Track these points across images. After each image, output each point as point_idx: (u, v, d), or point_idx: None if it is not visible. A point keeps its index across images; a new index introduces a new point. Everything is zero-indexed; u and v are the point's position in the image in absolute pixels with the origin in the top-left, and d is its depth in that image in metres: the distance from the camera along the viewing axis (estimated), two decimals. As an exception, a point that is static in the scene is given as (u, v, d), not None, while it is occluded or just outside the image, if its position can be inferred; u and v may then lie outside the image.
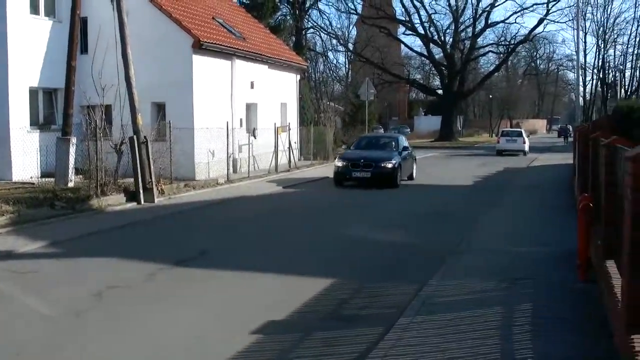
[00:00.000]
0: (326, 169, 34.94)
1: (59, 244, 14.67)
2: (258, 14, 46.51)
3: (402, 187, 26.88)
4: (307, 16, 66.96)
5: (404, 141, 30.43)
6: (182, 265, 12.40)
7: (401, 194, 25.26)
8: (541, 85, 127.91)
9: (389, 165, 26.68)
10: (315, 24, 70.23)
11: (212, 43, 28.88)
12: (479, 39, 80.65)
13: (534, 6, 75.92)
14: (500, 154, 51.65)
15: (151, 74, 26.29)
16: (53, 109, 27.94)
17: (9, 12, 25.16)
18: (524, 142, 52.87)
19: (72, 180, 22.81)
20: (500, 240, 14.62)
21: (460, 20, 78.33)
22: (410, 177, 29.58)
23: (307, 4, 66.66)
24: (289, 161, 34.69)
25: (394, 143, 29.39)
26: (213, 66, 29.49)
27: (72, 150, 23.00)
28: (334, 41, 74.58)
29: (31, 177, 24.37)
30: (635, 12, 74.83)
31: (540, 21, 76.14)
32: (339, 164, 27.24)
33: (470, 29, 79.17)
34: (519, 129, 60.34)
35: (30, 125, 26.12)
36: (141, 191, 21.12)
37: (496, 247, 13.82)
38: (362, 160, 26.67)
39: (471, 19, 78.59)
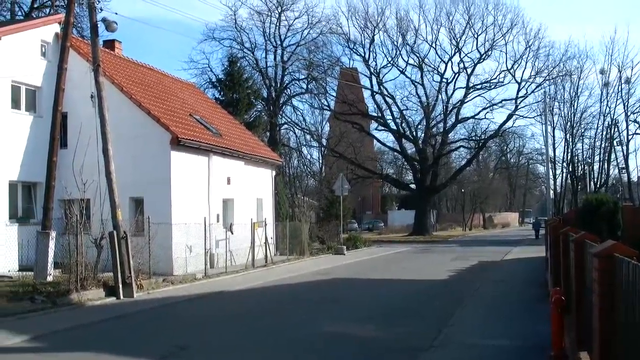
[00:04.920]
0: (302, 264, 35.27)
1: (41, 338, 14.74)
2: (234, 110, 47.32)
3: (376, 279, 27.03)
4: (281, 112, 67.99)
5: None
6: (164, 360, 12.53)
7: (377, 288, 25.51)
8: (512, 179, 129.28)
9: None
10: (289, 119, 71.37)
11: (189, 139, 29.37)
12: (450, 134, 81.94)
13: (503, 102, 77.71)
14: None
15: (130, 170, 26.60)
16: (32, 202, 28.17)
17: (-9, 107, 25.68)
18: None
19: (51, 274, 22.87)
20: (476, 334, 14.89)
21: (432, 116, 79.57)
22: None
23: (281, 101, 67.77)
24: (266, 256, 34.87)
25: None
26: (190, 162, 29.92)
27: (52, 244, 23.12)
28: (308, 137, 75.69)
29: (9, 271, 24.45)
30: (600, 107, 76.34)
31: (510, 116, 77.80)
32: None
33: (441, 125, 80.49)
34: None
35: (9, 218, 26.34)
36: (120, 286, 21.25)
37: (472, 341, 14.09)
38: None
39: (442, 115, 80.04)
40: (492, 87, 78.12)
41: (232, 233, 32.07)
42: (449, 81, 78.77)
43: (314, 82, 70.38)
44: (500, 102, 77.87)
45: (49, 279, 22.51)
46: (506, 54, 76.66)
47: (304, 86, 70.51)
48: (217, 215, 32.03)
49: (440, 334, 14.69)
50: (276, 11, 67.23)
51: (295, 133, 73.69)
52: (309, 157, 78.00)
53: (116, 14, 28.25)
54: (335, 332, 15.74)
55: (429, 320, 17.13)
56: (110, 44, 35.72)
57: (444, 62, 78.62)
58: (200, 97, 42.99)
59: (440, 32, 78.91)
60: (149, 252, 24.64)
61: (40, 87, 28.48)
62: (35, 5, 50.14)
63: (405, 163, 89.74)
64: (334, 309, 19.86)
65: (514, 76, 76.82)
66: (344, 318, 17.92)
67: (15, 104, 27.58)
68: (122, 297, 21.16)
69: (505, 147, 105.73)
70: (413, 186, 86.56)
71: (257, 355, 13.45)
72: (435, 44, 78.06)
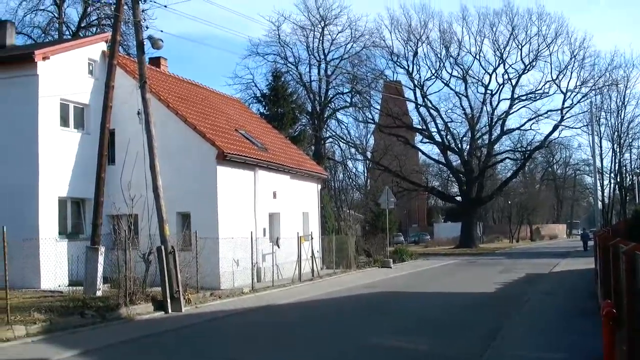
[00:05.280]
0: (349, 278, 35.24)
1: (91, 352, 14.91)
2: (278, 125, 47.51)
3: (423, 292, 26.93)
4: (325, 126, 68.04)
5: None
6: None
7: (424, 301, 25.43)
8: (559, 190, 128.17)
9: None
10: (333, 133, 71.32)
11: (235, 154, 29.56)
12: (495, 146, 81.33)
13: (549, 113, 76.82)
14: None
15: (176, 185, 26.78)
16: (81, 218, 28.54)
17: (41, 125, 26.14)
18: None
19: (101, 289, 23.11)
20: (525, 347, 14.74)
21: (477, 128, 79.13)
22: None
23: (326, 114, 67.84)
24: (312, 270, 34.88)
25: None
26: (236, 176, 30.10)
27: (101, 259, 23.36)
28: (353, 150, 75.62)
29: (59, 286, 24.77)
30: (648, 116, 75.29)
31: (555, 127, 76.97)
32: None
33: (486, 136, 79.94)
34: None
35: (59, 234, 26.70)
36: (169, 300, 21.41)
37: (521, 353, 13.95)
38: None
39: (487, 127, 79.43)
40: (538, 97, 77.40)
41: (279, 247, 32.14)
42: (493, 92, 78.34)
43: (358, 95, 70.37)
44: (546, 112, 77.16)
45: (99, 293, 22.75)
46: (551, 64, 75.97)
47: (348, 100, 70.52)
48: (263, 229, 32.15)
49: (488, 347, 14.56)
50: (319, 26, 67.47)
51: (340, 146, 73.78)
52: (354, 170, 77.99)
53: (162, 31, 28.58)
54: (383, 345, 15.69)
55: (477, 333, 17.00)
56: (156, 61, 36.09)
57: (488, 73, 78.19)
58: (245, 112, 43.25)
59: (484, 44, 78.57)
60: (197, 266, 24.79)
61: (88, 105, 28.87)
62: (83, 25, 51.08)
63: (451, 175, 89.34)
64: (382, 321, 19.80)
65: (559, 86, 76.05)
66: (391, 331, 17.84)
67: (64, 121, 27.99)
68: (170, 311, 21.31)
69: (551, 158, 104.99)
70: (459, 198, 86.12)
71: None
72: (479, 56, 77.68)
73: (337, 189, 69.24)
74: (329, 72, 67.79)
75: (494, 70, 77.72)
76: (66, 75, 27.77)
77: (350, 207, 67.15)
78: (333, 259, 39.58)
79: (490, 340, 15.45)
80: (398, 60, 76.54)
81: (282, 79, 56.57)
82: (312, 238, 35.85)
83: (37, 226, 25.48)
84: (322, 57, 67.77)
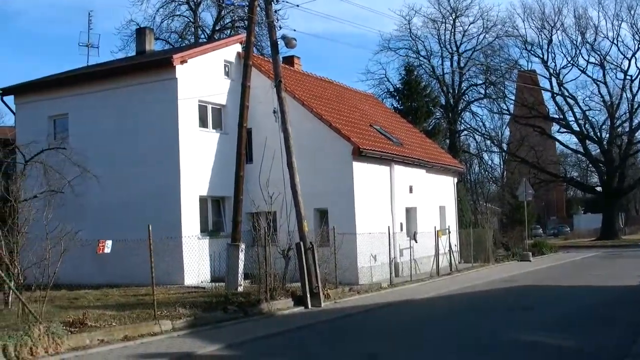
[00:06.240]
0: (487, 272, 34.80)
1: (235, 346, 15.23)
2: (413, 119, 47.40)
3: (564, 286, 26.36)
4: (460, 119, 67.35)
5: None
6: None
7: (565, 295, 24.89)
8: None
9: None
10: (468, 125, 70.34)
11: (371, 150, 29.64)
12: (637, 134, 78.67)
13: (693, 97, 73.81)
14: None
15: (313, 181, 27.00)
16: (221, 216, 29.22)
17: (181, 126, 26.87)
18: None
19: (242, 284, 23.60)
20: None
21: (616, 116, 76.65)
22: None
23: (460, 107, 67.15)
24: (450, 264, 34.65)
25: None
26: (372, 172, 30.16)
27: (242, 256, 23.86)
28: (488, 142, 74.40)
29: (201, 282, 25.51)
30: None
31: (701, 112, 73.87)
32: None
33: (627, 124, 77.36)
34: None
35: (201, 232, 27.39)
36: (308, 295, 21.61)
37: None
38: None
39: (627, 114, 76.89)
40: (681, 82, 74.39)
41: (416, 241, 31.96)
42: (633, 78, 75.63)
43: (492, 86, 69.23)
44: (691, 97, 74.12)
45: (240, 289, 23.23)
46: (694, 45, 72.94)
47: (482, 91, 69.45)
48: (400, 224, 32.12)
49: (633, 344, 14.05)
50: (450, 17, 66.84)
51: (475, 139, 72.68)
52: (490, 162, 76.80)
53: (294, 30, 28.96)
54: (526, 340, 15.36)
55: (621, 328, 16.44)
56: (289, 60, 36.56)
57: (627, 58, 75.50)
58: (379, 108, 43.31)
59: (622, 28, 76.38)
60: (335, 262, 24.93)
61: (225, 105, 29.52)
62: (217, 28, 52.31)
63: (590, 165, 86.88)
64: (523, 316, 19.42)
65: None
66: (532, 326, 17.45)
67: (203, 122, 28.69)
68: (310, 306, 21.51)
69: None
70: (599, 189, 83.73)
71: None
72: (617, 40, 75.11)
73: (474, 181, 68.38)
74: (461, 64, 67.13)
75: (633, 54, 75.09)
76: (203, 77, 28.47)
77: (487, 200, 66.27)
78: (471, 252, 39.12)
79: (634, 336, 14.94)
80: (532, 49, 75.01)
81: (415, 73, 56.34)
82: (449, 232, 35.57)
83: (180, 224, 26.23)
84: (454, 49, 67.21)
